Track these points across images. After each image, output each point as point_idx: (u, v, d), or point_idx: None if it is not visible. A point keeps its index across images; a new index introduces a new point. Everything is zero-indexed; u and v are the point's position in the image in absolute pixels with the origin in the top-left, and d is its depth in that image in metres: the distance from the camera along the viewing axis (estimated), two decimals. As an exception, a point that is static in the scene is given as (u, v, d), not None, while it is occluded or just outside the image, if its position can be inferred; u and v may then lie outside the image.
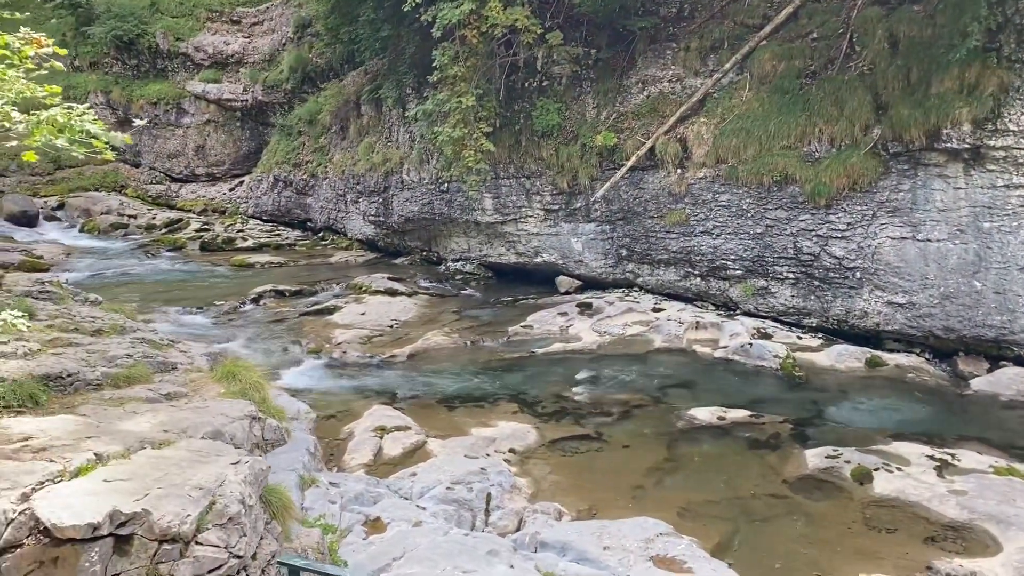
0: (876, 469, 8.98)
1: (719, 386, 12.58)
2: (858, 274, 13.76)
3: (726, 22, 16.48)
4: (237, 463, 4.35)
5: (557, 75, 18.28)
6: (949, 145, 12.57)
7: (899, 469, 9.03)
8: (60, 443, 4.33)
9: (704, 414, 11.14)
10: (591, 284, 18.41)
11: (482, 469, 8.71)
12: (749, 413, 11.14)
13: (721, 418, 11.00)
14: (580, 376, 13.14)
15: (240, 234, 28.85)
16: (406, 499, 8.33)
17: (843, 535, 7.99)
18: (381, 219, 23.55)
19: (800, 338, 14.33)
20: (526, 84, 18.51)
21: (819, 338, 14.34)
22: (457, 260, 21.48)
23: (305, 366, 14.08)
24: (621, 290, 17.61)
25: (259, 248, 26.87)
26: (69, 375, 5.82)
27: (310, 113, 28.58)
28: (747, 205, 14.86)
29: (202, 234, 28.58)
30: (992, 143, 12.31)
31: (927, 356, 13.47)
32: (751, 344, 13.50)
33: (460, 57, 17.12)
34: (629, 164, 16.09)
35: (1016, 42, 11.99)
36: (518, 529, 8.02)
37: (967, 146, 12.44)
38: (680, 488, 9.19)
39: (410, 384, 12.91)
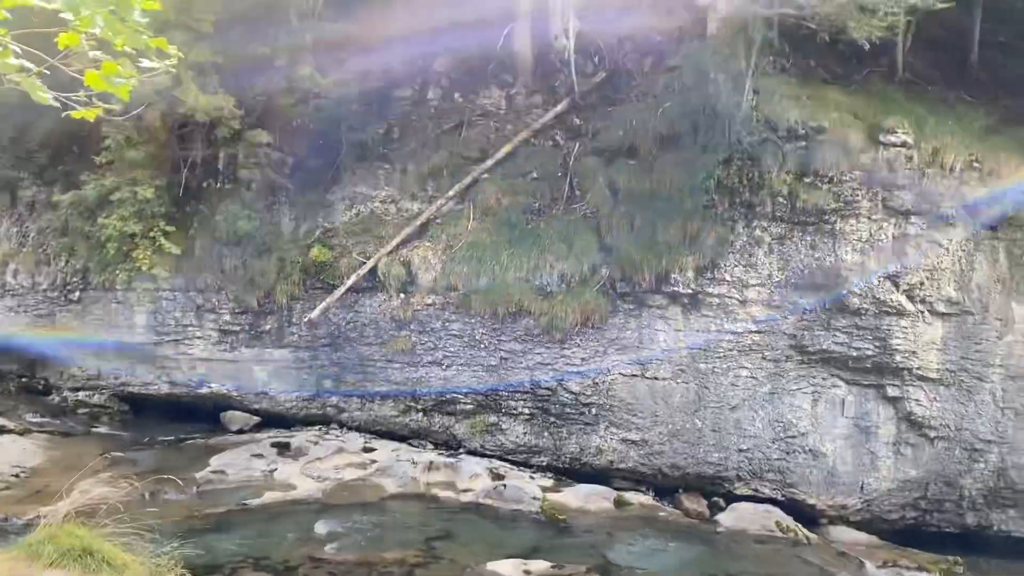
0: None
1: (485, 535, 11.16)
2: (594, 410, 13.66)
3: (441, 151, 16.06)
4: None
5: (246, 179, 15.95)
6: (676, 289, 13.39)
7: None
8: None
9: (507, 569, 9.63)
10: (274, 421, 15.67)
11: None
12: (550, 564, 9.90)
13: (527, 572, 9.57)
14: (321, 532, 10.66)
15: None
16: None
17: None
18: (-45, 334, 17.71)
19: (532, 478, 13.58)
20: (205, 184, 15.85)
21: (550, 478, 13.76)
22: (79, 389, 16.84)
23: None
24: (317, 428, 15.22)
25: None
26: None
27: None
28: (480, 335, 14.07)
29: None
30: (711, 290, 13.40)
31: (651, 494, 13.67)
32: (505, 486, 12.38)
33: (136, 141, 14.03)
34: (349, 283, 14.34)
35: (728, 202, 13.41)
36: None
37: (690, 291, 13.36)
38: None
39: (93, 556, 9.10)
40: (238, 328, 15.54)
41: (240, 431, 15.57)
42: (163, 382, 16.26)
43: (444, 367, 14.28)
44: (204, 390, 15.95)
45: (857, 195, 12.89)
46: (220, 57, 14.92)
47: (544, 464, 14.09)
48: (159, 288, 15.35)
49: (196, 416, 16.17)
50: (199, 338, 15.75)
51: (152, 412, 16.60)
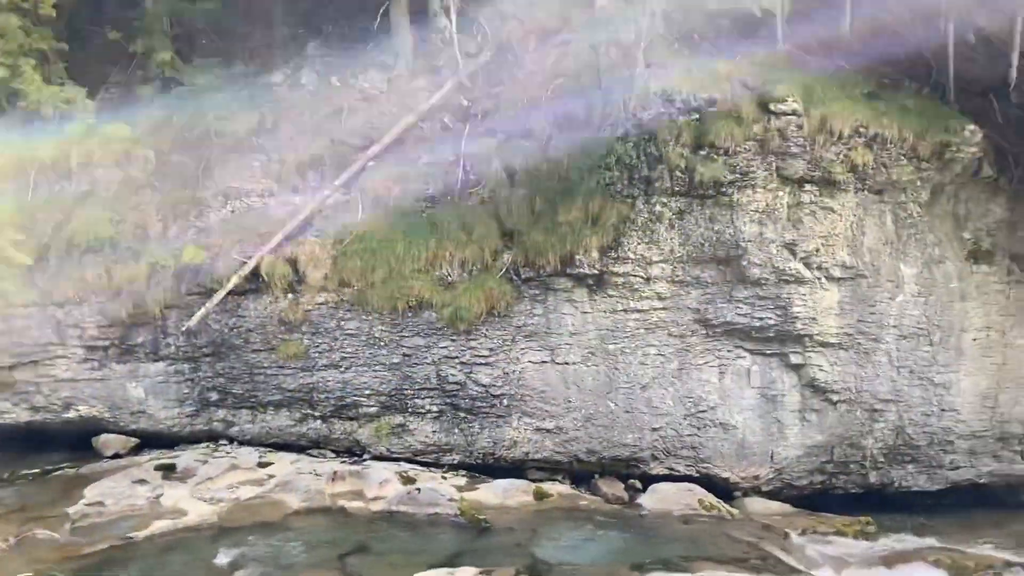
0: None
1: (403, 545, 10.44)
2: (506, 401, 13.14)
3: (321, 139, 15.06)
4: None
5: (104, 179, 14.46)
6: (581, 271, 13.00)
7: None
8: None
9: (429, 580, 8.92)
10: (154, 441, 14.30)
11: None
12: (478, 570, 9.29)
13: (453, 582, 8.93)
14: (223, 561, 9.65)
15: None
16: None
17: None
18: None
19: (445, 478, 12.94)
20: (58, 187, 14.27)
21: (463, 476, 13.15)
22: (-83, 426, 14.86)
23: None
24: (204, 445, 13.99)
25: None
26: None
27: None
28: (380, 332, 13.25)
29: None
30: (615, 269, 13.08)
31: (568, 483, 13.31)
32: (419, 490, 11.67)
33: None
34: (229, 286, 13.18)
35: (627, 179, 13.10)
36: None
37: (595, 272, 13.01)
38: None
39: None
40: (106, 343, 14.05)
41: (116, 455, 14.12)
42: (22, 409, 14.51)
43: (342, 369, 13.38)
44: (71, 414, 14.36)
45: (752, 166, 12.83)
46: (65, 43, 13.44)
47: (456, 462, 13.46)
48: (10, 305, 13.65)
49: (64, 444, 14.57)
50: (61, 357, 14.14)
51: (11, 444, 14.83)
